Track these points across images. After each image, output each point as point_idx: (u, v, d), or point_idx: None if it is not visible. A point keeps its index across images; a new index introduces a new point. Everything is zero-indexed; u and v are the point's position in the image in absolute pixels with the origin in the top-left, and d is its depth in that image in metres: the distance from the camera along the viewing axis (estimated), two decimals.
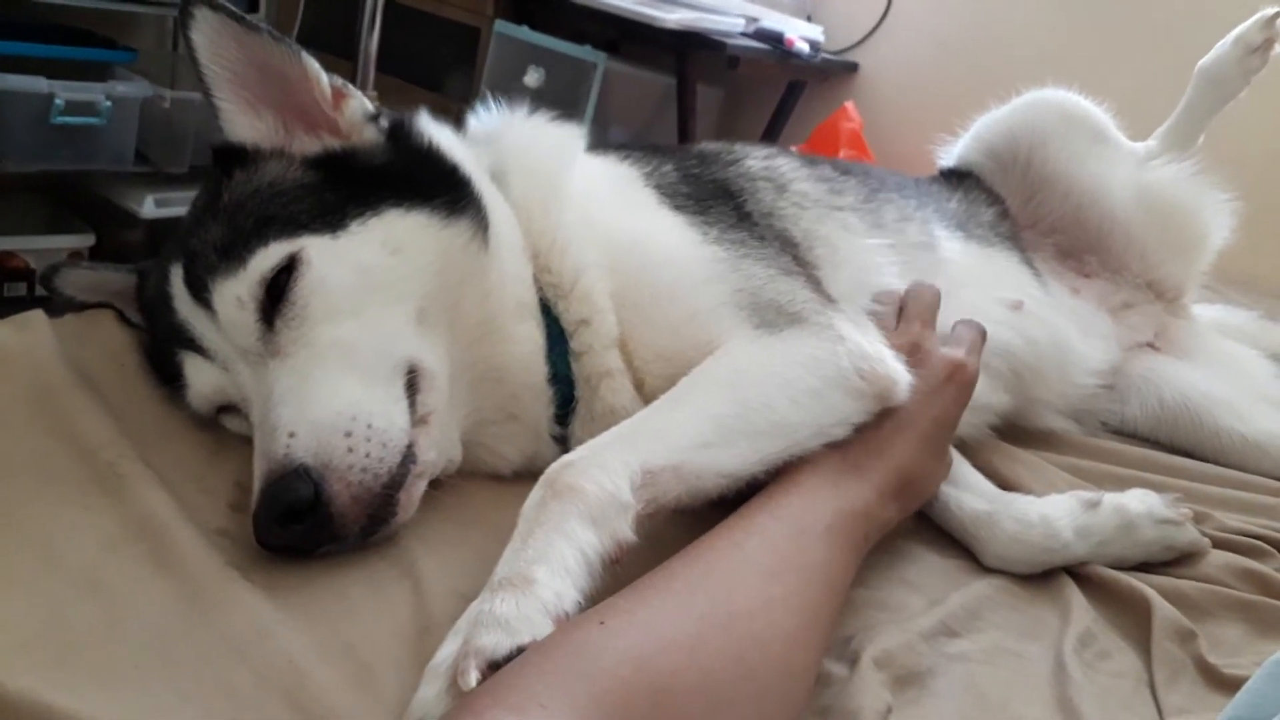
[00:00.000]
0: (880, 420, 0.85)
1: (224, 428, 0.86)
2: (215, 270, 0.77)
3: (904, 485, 0.84)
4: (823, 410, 0.82)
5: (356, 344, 0.77)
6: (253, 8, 2.33)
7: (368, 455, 0.72)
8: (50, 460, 0.77)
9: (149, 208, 2.31)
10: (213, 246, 0.78)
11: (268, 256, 0.76)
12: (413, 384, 0.78)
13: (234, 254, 0.77)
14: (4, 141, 2.05)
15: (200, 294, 0.78)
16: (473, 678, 0.57)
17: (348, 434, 0.71)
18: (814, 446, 0.81)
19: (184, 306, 0.81)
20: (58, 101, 2.06)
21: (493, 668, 0.58)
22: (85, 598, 0.65)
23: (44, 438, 0.79)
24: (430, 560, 0.75)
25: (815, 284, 0.95)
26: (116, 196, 2.35)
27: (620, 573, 0.68)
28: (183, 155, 2.31)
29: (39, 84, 2.03)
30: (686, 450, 0.75)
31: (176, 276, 0.81)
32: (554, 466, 0.71)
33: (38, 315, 0.91)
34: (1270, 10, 1.39)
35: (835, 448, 0.82)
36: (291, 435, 0.71)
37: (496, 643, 0.59)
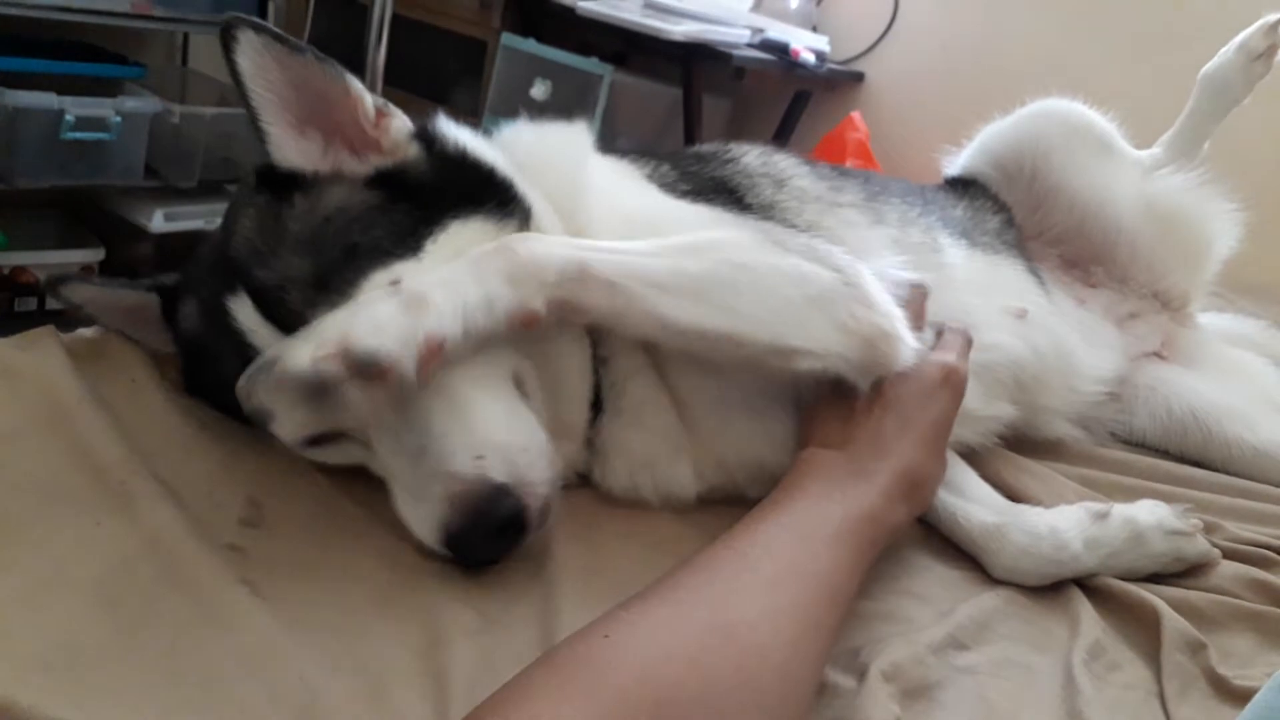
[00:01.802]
0: (882, 422, 0.86)
1: (235, 443, 0.86)
2: (316, 304, 0.75)
3: (909, 487, 0.85)
4: (791, 321, 0.82)
5: (477, 361, 0.77)
6: None
7: (539, 470, 0.76)
8: (61, 478, 0.77)
9: (158, 222, 2.33)
10: (303, 279, 0.77)
11: (374, 286, 0.75)
12: (522, 392, 0.81)
13: (334, 286, 0.76)
14: (15, 157, 2.07)
15: (297, 328, 0.75)
16: (328, 352, 0.66)
17: (525, 450, 0.75)
18: (768, 359, 0.83)
19: (268, 342, 0.77)
20: (68, 117, 2.08)
21: (346, 358, 0.66)
22: (96, 614, 0.65)
23: (54, 456, 0.79)
24: (440, 574, 0.76)
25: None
26: (126, 211, 2.37)
27: (623, 580, 0.69)
28: (192, 170, 2.33)
29: (49, 100, 2.06)
30: (632, 278, 0.78)
31: (245, 310, 0.78)
32: (513, 236, 0.77)
33: (47, 332, 0.92)
34: (1274, 16, 1.39)
35: (839, 451, 0.83)
36: (479, 457, 0.73)
37: (363, 338, 0.66)
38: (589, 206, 0.91)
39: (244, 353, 0.78)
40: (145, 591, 0.68)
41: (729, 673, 0.62)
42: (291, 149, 0.82)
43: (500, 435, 0.75)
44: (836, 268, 0.87)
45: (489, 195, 0.85)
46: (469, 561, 0.76)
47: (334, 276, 0.76)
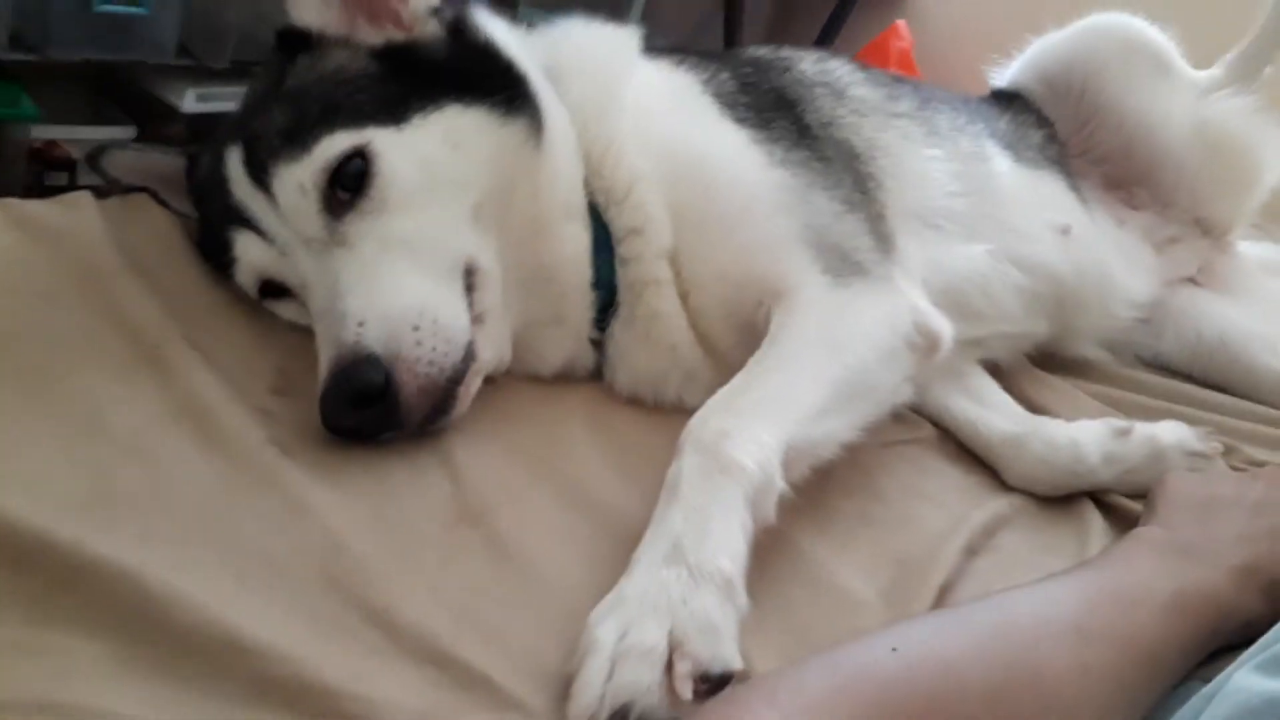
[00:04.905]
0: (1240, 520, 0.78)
1: (268, 316, 0.87)
2: (278, 154, 0.78)
3: (1267, 582, 0.73)
4: (897, 368, 0.85)
5: (421, 239, 0.78)
6: None
7: (434, 349, 0.74)
8: (97, 338, 0.79)
9: (190, 102, 2.30)
10: (276, 131, 0.79)
11: (333, 144, 0.77)
12: (470, 282, 0.80)
13: (298, 140, 0.77)
14: (47, 28, 2.05)
15: (261, 177, 0.79)
16: (689, 693, 0.55)
17: (415, 328, 0.73)
18: (888, 409, 0.85)
19: (241, 189, 0.81)
20: None
21: (704, 680, 0.56)
22: (130, 463, 0.67)
23: (91, 316, 0.81)
24: (466, 451, 0.77)
25: (875, 220, 0.95)
26: (158, 89, 2.34)
27: (647, 483, 0.69)
28: (225, 49, 2.29)
29: None
30: (813, 421, 0.76)
31: (234, 158, 0.81)
32: (703, 429, 0.70)
33: (85, 196, 0.92)
34: None
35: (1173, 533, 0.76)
36: (361, 324, 0.72)
37: (712, 657, 0.57)
38: (616, 125, 0.90)
39: (226, 200, 0.82)
40: (176, 447, 0.70)
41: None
42: (310, 8, 0.84)
43: (390, 306, 0.74)
44: (888, 276, 0.89)
45: (500, 89, 0.84)
46: (333, 430, 0.73)
47: (302, 131, 0.78)
